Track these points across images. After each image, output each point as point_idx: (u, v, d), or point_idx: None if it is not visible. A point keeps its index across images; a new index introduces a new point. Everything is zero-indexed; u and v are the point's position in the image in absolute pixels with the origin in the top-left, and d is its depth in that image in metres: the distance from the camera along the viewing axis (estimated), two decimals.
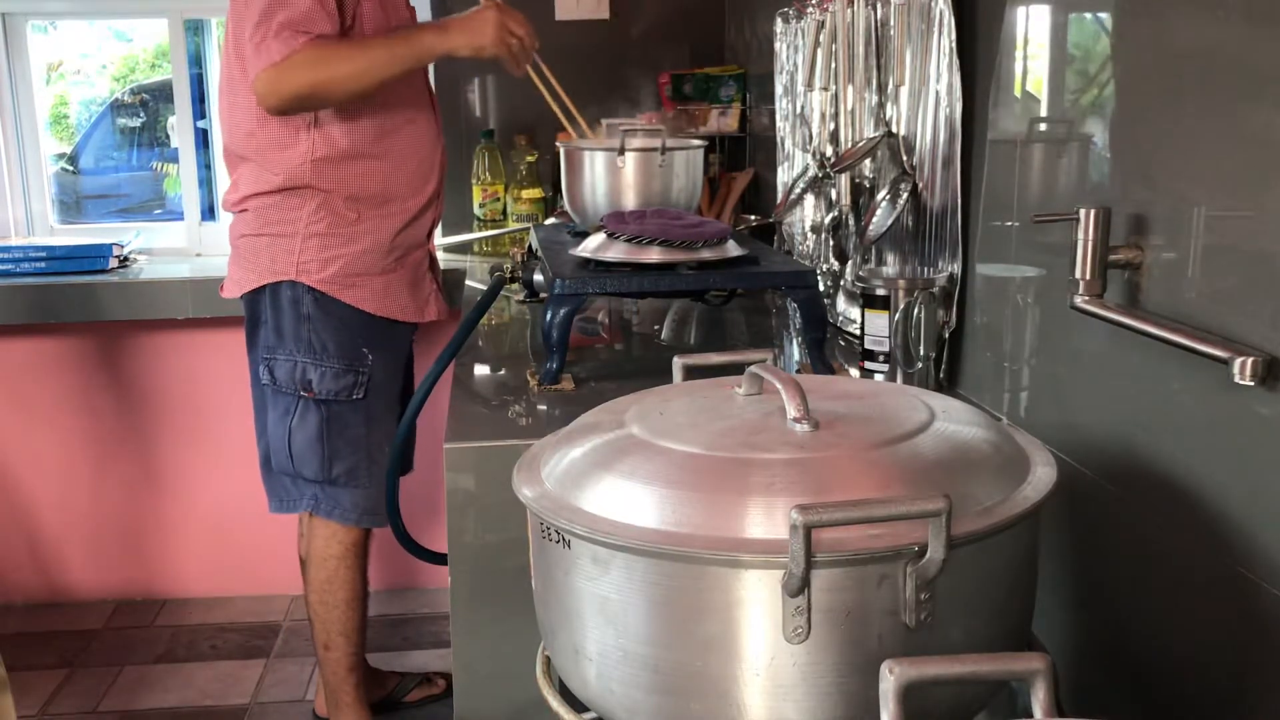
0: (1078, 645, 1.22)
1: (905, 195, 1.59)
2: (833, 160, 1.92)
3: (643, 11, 3.20)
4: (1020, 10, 1.33)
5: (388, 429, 2.22)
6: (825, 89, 1.94)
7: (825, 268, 2.00)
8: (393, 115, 2.14)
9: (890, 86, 1.66)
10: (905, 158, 1.61)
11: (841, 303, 1.95)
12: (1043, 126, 1.30)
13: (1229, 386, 0.91)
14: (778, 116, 2.38)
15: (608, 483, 0.91)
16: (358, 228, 2.15)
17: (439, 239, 2.86)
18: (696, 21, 3.23)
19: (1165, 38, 1.05)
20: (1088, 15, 1.20)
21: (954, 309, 1.49)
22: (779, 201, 2.30)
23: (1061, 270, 1.16)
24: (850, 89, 1.82)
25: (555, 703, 0.99)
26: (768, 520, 0.83)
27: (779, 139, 2.38)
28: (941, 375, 1.53)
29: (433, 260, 2.35)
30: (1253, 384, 0.90)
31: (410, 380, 2.38)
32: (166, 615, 3.15)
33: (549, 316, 1.58)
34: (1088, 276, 1.06)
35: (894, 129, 1.65)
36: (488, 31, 2.08)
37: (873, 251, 1.79)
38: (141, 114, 3.61)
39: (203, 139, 3.24)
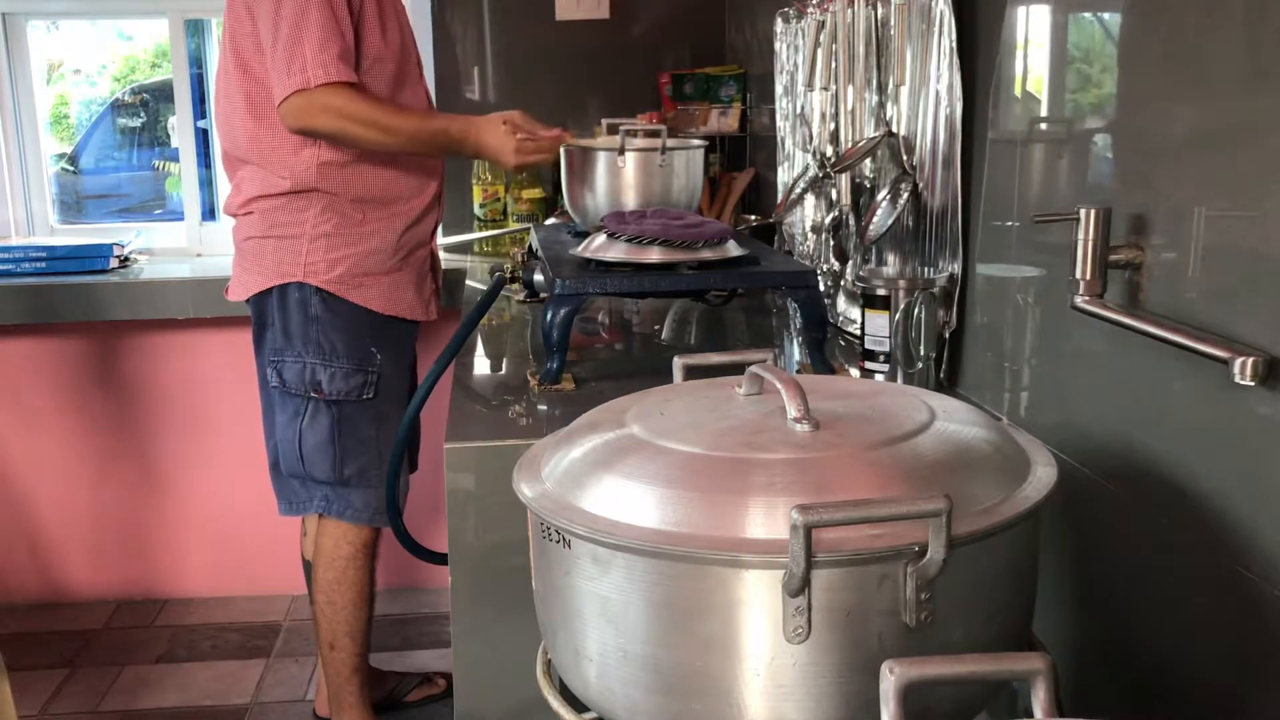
0: (1078, 645, 1.22)
1: (905, 195, 1.59)
2: (833, 160, 1.92)
3: (643, 11, 3.20)
4: (1020, 10, 1.33)
5: (396, 428, 2.22)
6: (825, 89, 1.94)
7: (825, 268, 2.00)
8: None
9: (890, 86, 1.66)
10: (905, 158, 1.61)
11: (842, 303, 1.95)
12: (1043, 126, 1.30)
13: (1229, 386, 0.91)
14: (778, 116, 2.38)
15: (608, 483, 0.91)
16: (364, 228, 2.16)
17: (439, 239, 2.87)
18: (697, 21, 3.23)
19: (1165, 37, 1.05)
20: (1088, 15, 1.20)
21: (954, 309, 1.49)
22: (779, 201, 2.30)
23: (1061, 270, 1.16)
24: (850, 89, 1.82)
25: (555, 703, 0.99)
26: (768, 520, 0.83)
27: (779, 139, 2.38)
28: (942, 375, 1.53)
29: (435, 259, 2.36)
30: (1253, 384, 0.90)
31: (415, 380, 2.39)
32: (166, 615, 3.15)
33: (549, 316, 1.58)
34: (1088, 276, 1.06)
35: (894, 129, 1.65)
36: (509, 162, 2.12)
37: (873, 251, 1.79)
38: (142, 114, 3.61)
39: (203, 139, 3.24)
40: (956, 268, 1.48)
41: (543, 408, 1.55)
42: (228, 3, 2.12)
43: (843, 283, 1.94)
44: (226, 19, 2.13)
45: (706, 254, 1.65)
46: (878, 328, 1.50)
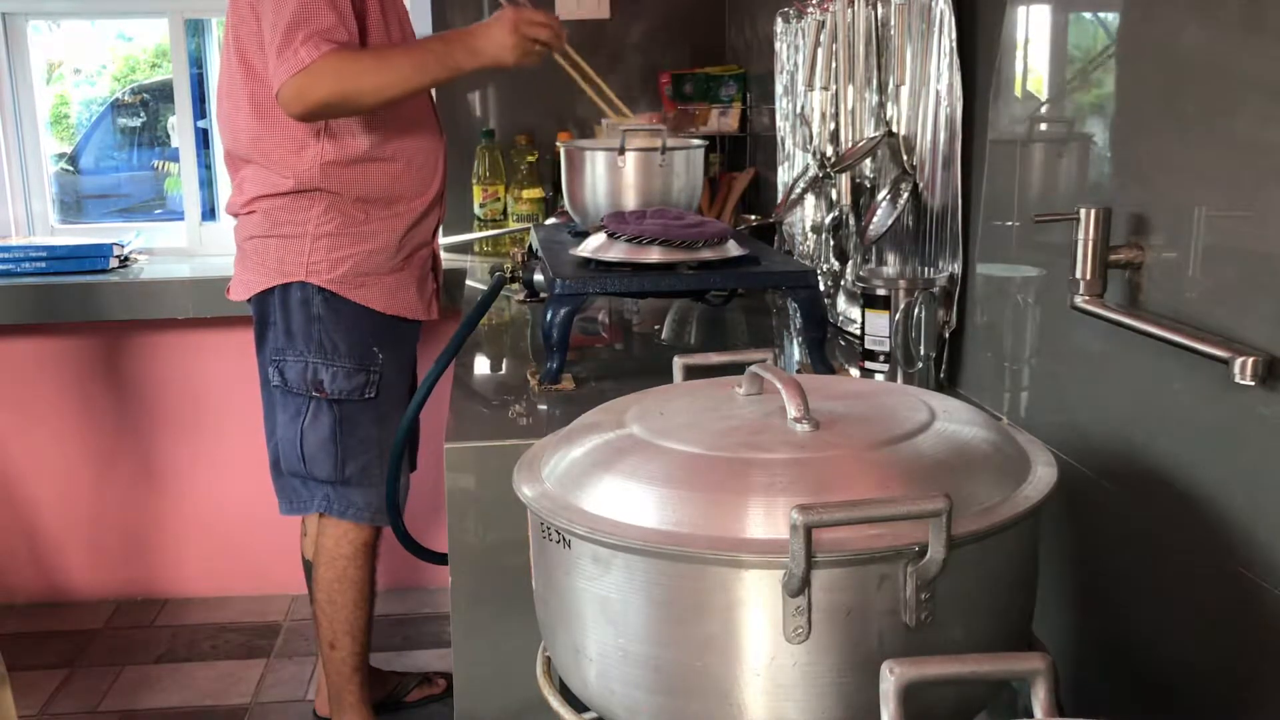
0: (1078, 645, 1.22)
1: (905, 195, 1.59)
2: (833, 160, 1.92)
3: (643, 11, 3.20)
4: (1020, 10, 1.33)
5: (398, 427, 2.22)
6: (826, 89, 1.94)
7: (825, 268, 2.00)
8: (399, 117, 2.15)
9: (890, 86, 1.66)
10: (905, 157, 1.61)
11: (842, 303, 1.95)
12: (1043, 126, 1.30)
13: (1229, 386, 0.91)
14: (778, 116, 2.38)
15: (608, 482, 0.91)
16: (366, 228, 2.16)
17: (440, 239, 2.87)
18: (697, 21, 3.23)
19: (1165, 37, 1.05)
20: (1088, 15, 1.20)
21: (954, 309, 1.49)
22: (779, 201, 2.30)
23: (1062, 270, 1.16)
24: (850, 89, 1.82)
25: (555, 703, 0.99)
26: (768, 520, 0.83)
27: (779, 139, 2.38)
28: (942, 375, 1.53)
29: (436, 259, 2.36)
30: (1253, 384, 0.90)
31: (415, 380, 2.39)
32: (167, 615, 3.15)
33: (549, 316, 1.58)
34: (1088, 276, 1.06)
35: (894, 129, 1.65)
36: (507, 44, 2.05)
37: (873, 251, 1.79)
38: (142, 114, 3.61)
39: (203, 139, 3.24)
40: (956, 268, 1.48)
41: (543, 408, 1.55)
42: (230, 2, 2.12)
43: (843, 283, 1.94)
44: (229, 18, 2.13)
45: (706, 254, 1.65)
46: (878, 328, 1.50)
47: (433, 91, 2.32)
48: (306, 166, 2.11)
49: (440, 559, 1.65)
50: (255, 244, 2.19)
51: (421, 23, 3.07)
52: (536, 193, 3.09)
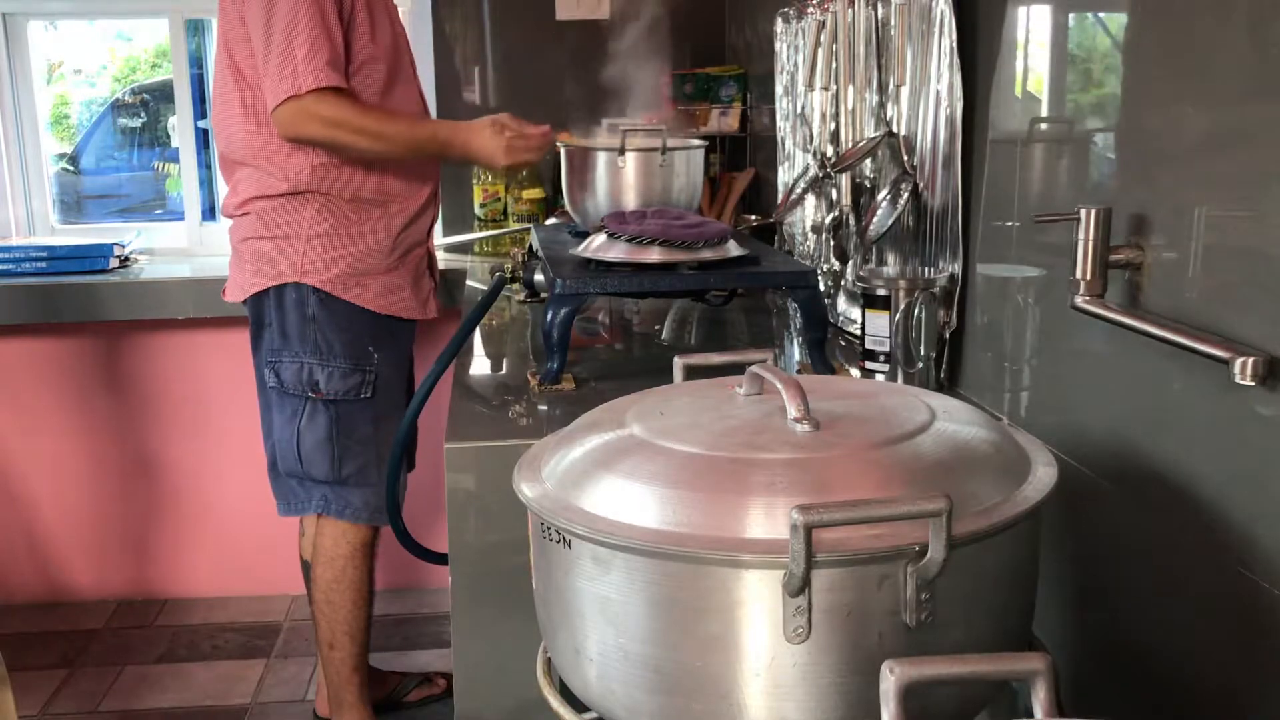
0: (1078, 645, 1.22)
1: (906, 195, 1.59)
2: (833, 160, 1.92)
3: (643, 11, 3.19)
4: (1020, 10, 1.33)
5: (394, 427, 2.22)
6: (826, 89, 1.94)
7: (826, 268, 2.00)
8: None
9: (891, 86, 1.66)
10: (906, 157, 1.61)
11: (842, 303, 1.95)
12: (1043, 126, 1.30)
13: (1229, 386, 0.91)
14: (778, 116, 2.38)
15: (608, 483, 0.91)
16: (360, 228, 2.16)
17: (439, 239, 2.87)
18: (697, 21, 3.23)
19: (1166, 37, 1.05)
20: (1088, 15, 1.20)
21: (954, 309, 1.49)
22: (779, 201, 2.30)
23: (1062, 270, 1.16)
24: (851, 89, 1.82)
25: (556, 703, 0.99)
26: (768, 520, 0.83)
27: (779, 139, 2.38)
28: (942, 375, 1.53)
29: (431, 258, 2.36)
30: (1253, 384, 0.90)
31: (412, 380, 2.39)
32: (167, 615, 3.15)
33: (549, 316, 1.58)
34: (1088, 276, 1.06)
35: (894, 129, 1.65)
36: (499, 159, 2.16)
37: (873, 251, 1.79)
38: (142, 114, 3.62)
39: (203, 139, 3.24)
40: (956, 268, 1.48)
41: (543, 408, 1.55)
42: (220, 7, 2.12)
43: (843, 283, 1.94)
44: (220, 23, 2.13)
45: (706, 254, 1.65)
46: (878, 328, 1.50)
47: (431, 93, 2.33)
48: (300, 168, 2.11)
49: (440, 559, 1.65)
50: (250, 245, 2.19)
51: (422, 26, 3.07)
52: (536, 193, 3.09)
